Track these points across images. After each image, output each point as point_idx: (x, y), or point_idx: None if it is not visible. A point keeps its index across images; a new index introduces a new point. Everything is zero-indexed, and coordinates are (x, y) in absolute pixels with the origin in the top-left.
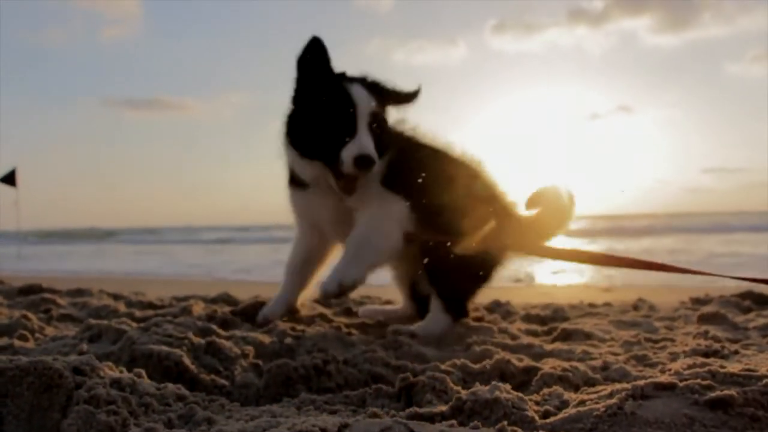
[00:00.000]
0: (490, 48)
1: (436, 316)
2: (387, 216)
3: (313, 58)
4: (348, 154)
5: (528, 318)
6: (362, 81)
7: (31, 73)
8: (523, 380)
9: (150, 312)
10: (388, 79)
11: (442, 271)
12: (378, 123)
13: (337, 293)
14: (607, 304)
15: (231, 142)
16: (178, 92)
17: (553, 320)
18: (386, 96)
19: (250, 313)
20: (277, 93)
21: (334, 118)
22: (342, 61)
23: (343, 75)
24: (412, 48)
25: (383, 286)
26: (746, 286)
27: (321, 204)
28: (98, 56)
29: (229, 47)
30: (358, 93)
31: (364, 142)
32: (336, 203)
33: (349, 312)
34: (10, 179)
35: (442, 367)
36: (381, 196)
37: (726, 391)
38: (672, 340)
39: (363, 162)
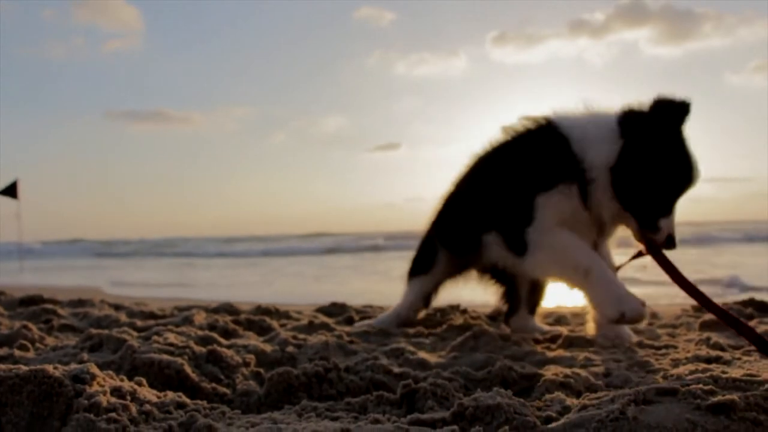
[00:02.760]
0: (491, 59)
1: None
2: None
3: (672, 119)
4: (665, 227)
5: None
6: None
7: (32, 87)
8: (525, 387)
9: (151, 322)
10: None
11: None
12: None
13: None
14: None
15: (234, 155)
16: (180, 105)
17: (555, 326)
18: None
19: None
20: (280, 106)
21: (672, 186)
22: (342, 74)
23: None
24: (413, 60)
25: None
26: (749, 294)
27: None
28: (99, 69)
29: (230, 60)
30: (699, 170)
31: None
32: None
33: (350, 321)
34: (11, 191)
35: (444, 374)
36: None
37: (728, 396)
38: (674, 347)
39: (671, 243)
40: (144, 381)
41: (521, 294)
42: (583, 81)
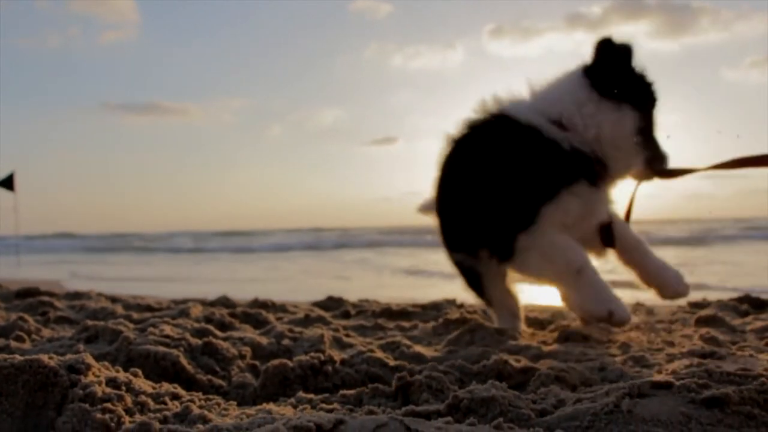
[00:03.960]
0: (488, 52)
1: None
2: None
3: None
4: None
5: (526, 320)
6: None
7: (27, 78)
8: (520, 380)
9: (148, 314)
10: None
11: None
12: None
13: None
14: None
15: (231, 148)
16: (176, 97)
17: (551, 322)
18: None
19: None
20: (277, 98)
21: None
22: (338, 67)
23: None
24: (409, 52)
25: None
26: (744, 290)
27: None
28: (95, 61)
29: (227, 52)
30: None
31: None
32: None
33: (347, 315)
34: (8, 183)
35: (440, 367)
36: None
37: (722, 390)
38: (670, 343)
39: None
40: (140, 372)
41: None
42: None
